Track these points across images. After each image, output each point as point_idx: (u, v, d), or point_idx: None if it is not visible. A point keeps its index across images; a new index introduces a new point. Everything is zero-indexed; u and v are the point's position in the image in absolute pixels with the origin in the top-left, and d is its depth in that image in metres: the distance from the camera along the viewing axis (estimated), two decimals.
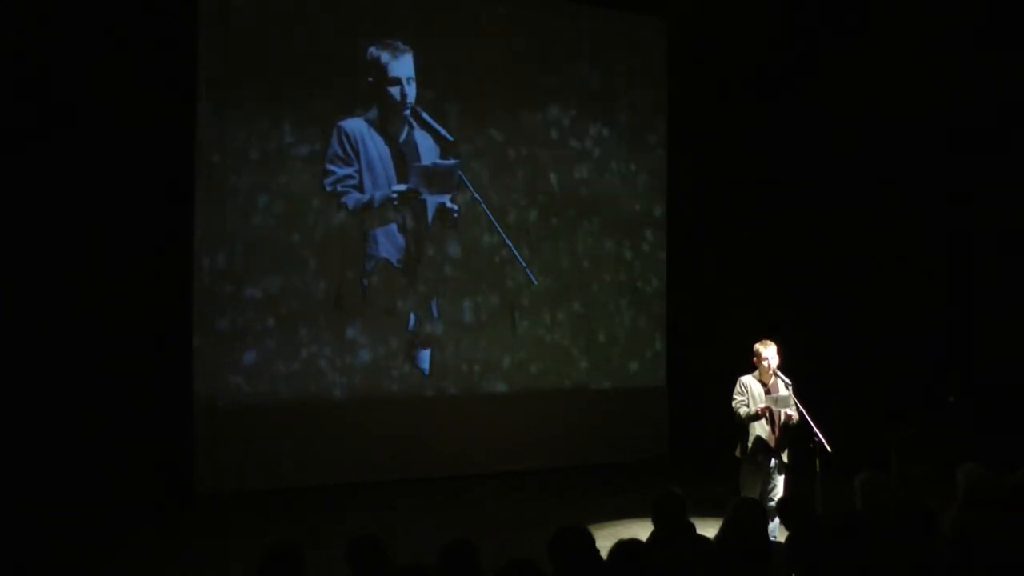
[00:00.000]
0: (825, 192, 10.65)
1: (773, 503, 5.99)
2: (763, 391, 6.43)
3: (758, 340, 6.58)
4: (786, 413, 6.39)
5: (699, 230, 10.95)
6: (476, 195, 9.92)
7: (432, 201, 9.74)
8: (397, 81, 9.53)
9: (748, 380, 6.50)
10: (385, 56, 9.51)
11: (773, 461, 6.44)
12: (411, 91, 9.61)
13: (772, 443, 6.42)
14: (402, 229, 9.62)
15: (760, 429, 6.42)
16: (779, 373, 6.45)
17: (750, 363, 6.56)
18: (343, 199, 9.34)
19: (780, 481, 6.45)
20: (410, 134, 9.66)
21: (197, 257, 8.72)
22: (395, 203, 9.56)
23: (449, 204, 9.82)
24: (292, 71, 9.06)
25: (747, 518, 3.99)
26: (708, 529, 4.30)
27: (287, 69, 9.04)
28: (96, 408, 7.98)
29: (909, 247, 10.32)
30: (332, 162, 9.30)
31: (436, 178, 9.76)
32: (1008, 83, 9.48)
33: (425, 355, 9.70)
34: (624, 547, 3.52)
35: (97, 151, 8.14)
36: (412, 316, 9.66)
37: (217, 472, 8.53)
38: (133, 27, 8.29)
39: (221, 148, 8.80)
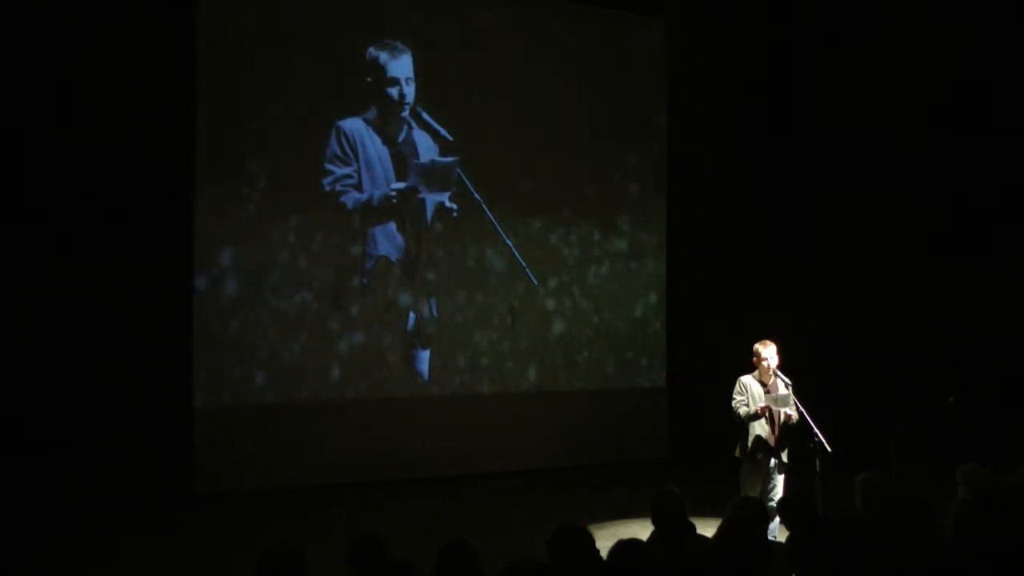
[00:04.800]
0: (825, 191, 10.65)
1: (773, 503, 5.98)
2: (763, 391, 6.43)
3: (758, 340, 6.58)
4: (786, 413, 6.38)
5: (699, 229, 10.95)
6: (476, 194, 9.91)
7: (431, 200, 9.74)
8: (396, 82, 9.53)
9: (748, 380, 6.50)
10: (384, 56, 9.51)
11: (773, 461, 6.43)
12: (410, 92, 9.61)
13: (772, 443, 6.42)
14: (401, 228, 9.62)
15: (760, 429, 6.42)
16: (779, 373, 6.45)
17: (750, 363, 6.56)
18: (342, 198, 9.34)
19: (780, 481, 6.44)
20: (409, 134, 9.66)
21: (197, 257, 8.72)
22: (394, 202, 9.56)
23: (448, 203, 9.82)
24: (291, 71, 9.07)
25: (747, 518, 3.98)
26: (708, 529, 4.29)
27: (287, 69, 9.05)
28: (96, 407, 7.98)
29: (909, 246, 10.31)
30: (331, 162, 9.30)
31: (435, 176, 9.75)
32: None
33: (424, 355, 9.70)
34: (624, 547, 3.52)
35: (98, 150, 8.14)
36: (411, 315, 9.66)
37: (217, 472, 8.54)
38: (133, 26, 8.29)
39: (221, 148, 8.80)
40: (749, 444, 6.44)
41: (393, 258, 9.58)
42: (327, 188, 9.27)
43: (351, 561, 3.75)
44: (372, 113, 9.49)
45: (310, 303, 9.17)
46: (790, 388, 6.43)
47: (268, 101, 8.97)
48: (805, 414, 6.31)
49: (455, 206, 9.85)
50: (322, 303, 9.23)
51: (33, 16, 7.96)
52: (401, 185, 9.60)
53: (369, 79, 9.47)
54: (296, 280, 9.11)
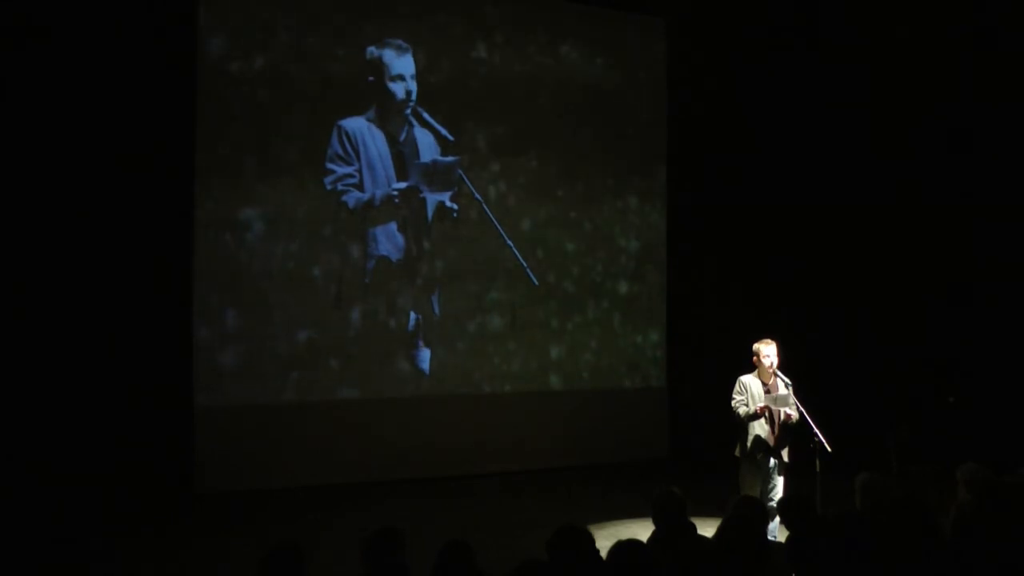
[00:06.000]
0: (826, 192, 10.65)
1: (773, 503, 5.99)
2: (763, 390, 6.43)
3: (758, 340, 6.58)
4: (785, 412, 6.39)
5: (699, 230, 10.95)
6: (476, 194, 9.92)
7: (432, 199, 9.74)
8: (399, 79, 9.54)
9: (748, 379, 6.50)
10: (387, 55, 9.52)
11: (773, 461, 6.44)
12: (413, 90, 9.62)
13: (771, 442, 6.42)
14: (402, 228, 9.62)
15: (760, 428, 6.42)
16: (779, 373, 6.45)
17: (750, 363, 6.57)
18: (343, 198, 9.35)
19: (780, 481, 6.45)
20: (410, 133, 9.67)
21: (197, 256, 8.72)
22: (396, 201, 9.57)
23: (449, 203, 9.83)
24: (291, 70, 9.07)
25: (747, 518, 3.98)
26: (708, 529, 4.29)
27: (286, 68, 9.04)
28: (97, 407, 7.98)
29: (909, 247, 10.31)
30: (332, 161, 9.31)
31: (436, 176, 9.76)
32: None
33: (425, 354, 9.71)
34: (624, 547, 3.51)
35: (98, 148, 8.15)
36: (412, 315, 9.66)
37: (217, 472, 8.54)
38: (132, 28, 8.29)
39: (220, 148, 8.80)
40: (749, 444, 6.44)
41: (394, 258, 9.59)
42: (328, 187, 9.28)
43: (367, 556, 3.72)
44: (373, 112, 9.50)
45: (311, 303, 9.17)
46: (790, 388, 6.43)
47: (267, 100, 8.97)
48: (805, 414, 6.31)
49: (456, 206, 9.85)
50: (323, 303, 9.23)
51: (30, 18, 7.97)
52: (402, 185, 9.61)
53: (371, 78, 9.48)
54: (297, 280, 9.11)
